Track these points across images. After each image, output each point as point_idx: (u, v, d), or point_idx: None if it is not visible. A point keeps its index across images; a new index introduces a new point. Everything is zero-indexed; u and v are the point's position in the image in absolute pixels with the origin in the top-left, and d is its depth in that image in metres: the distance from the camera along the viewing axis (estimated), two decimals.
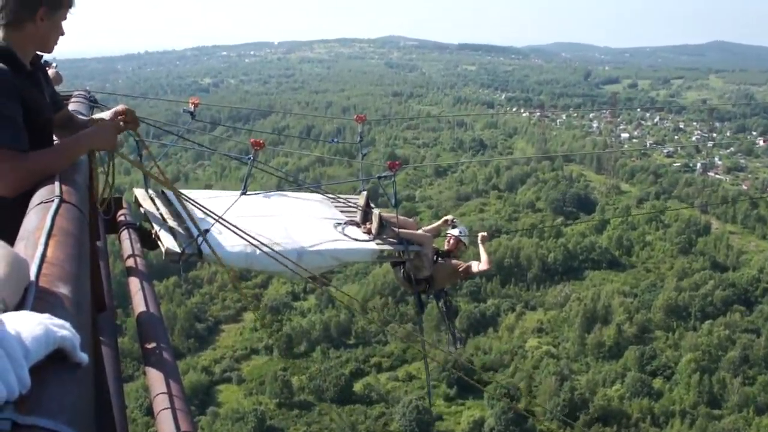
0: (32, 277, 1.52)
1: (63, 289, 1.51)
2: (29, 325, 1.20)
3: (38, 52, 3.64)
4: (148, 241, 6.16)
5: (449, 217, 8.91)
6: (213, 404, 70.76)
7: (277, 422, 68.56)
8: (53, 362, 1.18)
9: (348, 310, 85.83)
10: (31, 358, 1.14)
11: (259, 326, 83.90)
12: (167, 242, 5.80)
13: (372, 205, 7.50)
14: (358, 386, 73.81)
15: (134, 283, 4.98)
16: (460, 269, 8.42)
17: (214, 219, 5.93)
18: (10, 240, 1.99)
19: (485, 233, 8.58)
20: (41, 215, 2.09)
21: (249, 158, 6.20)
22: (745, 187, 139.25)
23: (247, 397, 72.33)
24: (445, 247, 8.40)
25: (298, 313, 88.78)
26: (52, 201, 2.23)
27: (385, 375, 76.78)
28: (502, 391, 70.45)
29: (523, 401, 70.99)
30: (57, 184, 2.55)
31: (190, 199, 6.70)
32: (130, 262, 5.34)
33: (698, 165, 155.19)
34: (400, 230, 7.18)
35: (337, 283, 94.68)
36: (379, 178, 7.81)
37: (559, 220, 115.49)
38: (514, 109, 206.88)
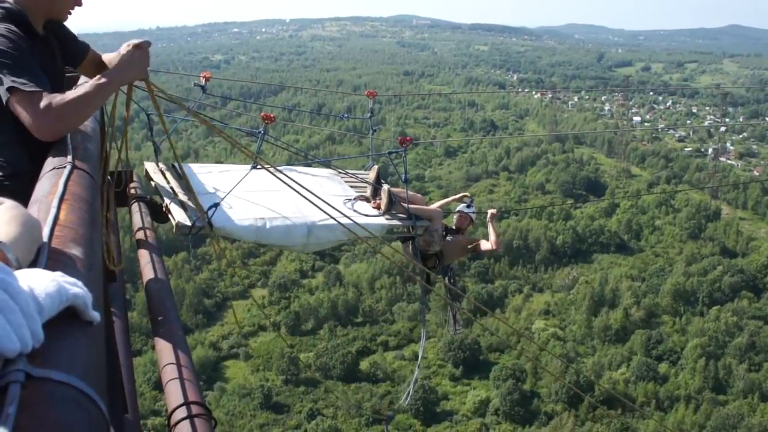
0: (45, 238, 1.53)
1: (75, 251, 1.52)
2: (42, 282, 1.21)
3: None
4: (159, 214, 6.16)
5: (466, 193, 8.91)
6: (220, 380, 71.29)
7: (283, 398, 69.03)
8: (65, 319, 1.20)
9: (356, 289, 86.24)
10: (44, 314, 1.16)
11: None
12: (177, 216, 5.81)
13: (382, 180, 7.50)
14: (364, 364, 74.18)
15: (144, 255, 4.99)
16: (470, 246, 8.43)
17: (225, 193, 5.95)
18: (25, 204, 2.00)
19: (495, 210, 8.58)
20: (54, 180, 2.10)
21: (260, 132, 6.20)
22: (756, 173, 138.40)
23: (254, 373, 72.82)
24: (454, 224, 8.41)
25: (305, 291, 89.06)
26: (65, 167, 2.24)
27: (391, 354, 77.09)
28: (508, 372, 70.72)
29: (529, 382, 71.25)
30: (69, 150, 2.56)
31: (201, 170, 6.73)
32: (140, 235, 5.34)
33: (710, 150, 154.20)
34: (410, 206, 7.18)
35: (345, 261, 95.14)
36: (390, 153, 7.80)
37: (569, 202, 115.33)
38: (525, 90, 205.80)
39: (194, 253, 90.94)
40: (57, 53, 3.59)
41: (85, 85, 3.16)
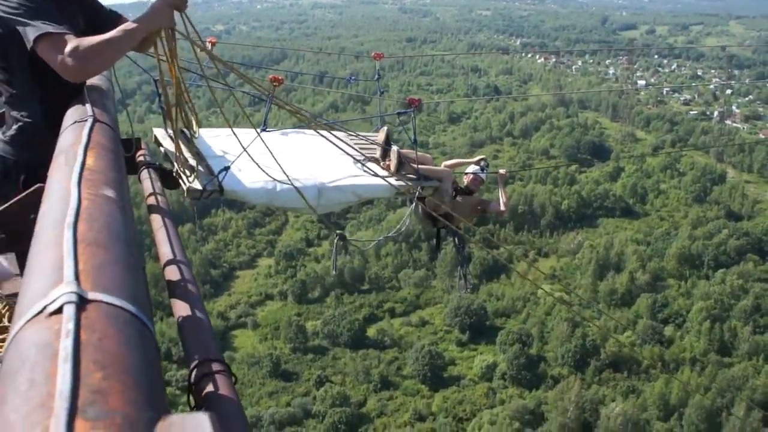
0: (73, 183, 1.54)
1: (109, 193, 1.53)
2: None
3: None
4: (169, 180, 6.15)
5: (483, 156, 8.87)
6: (229, 349, 71.78)
7: (291, 366, 69.63)
8: (112, 248, 1.29)
9: (361, 256, 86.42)
10: None
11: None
12: (188, 180, 5.82)
13: (391, 142, 7.48)
14: (371, 331, 74.62)
15: (156, 220, 4.98)
16: (479, 206, 8.44)
17: (235, 155, 5.95)
18: (47, 161, 2.03)
19: (504, 171, 8.57)
20: (77, 132, 2.11)
21: (268, 94, 6.19)
22: (762, 136, 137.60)
23: (262, 342, 73.36)
24: (466, 185, 8.39)
25: (312, 259, 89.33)
26: (86, 120, 2.25)
27: (398, 320, 77.51)
28: (514, 336, 71.07)
29: (535, 347, 71.63)
30: (88, 106, 2.57)
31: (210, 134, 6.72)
32: (151, 200, 5.32)
33: (715, 113, 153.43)
34: (420, 166, 7.18)
35: (351, 229, 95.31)
36: (399, 114, 7.79)
37: (574, 166, 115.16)
38: (529, 55, 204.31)
39: (200, 224, 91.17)
40: (79, 16, 3.63)
41: (111, 32, 3.24)
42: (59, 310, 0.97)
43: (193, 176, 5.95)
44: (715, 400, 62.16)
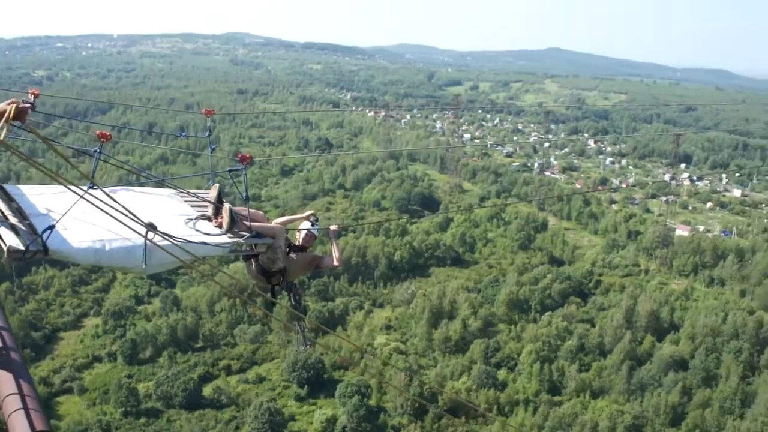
0: None
1: None
2: None
3: None
4: None
5: (312, 211, 8.96)
6: (53, 417, 67.25)
7: None
8: None
9: (194, 313, 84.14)
10: None
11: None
12: (9, 240, 5.50)
13: (223, 199, 7.43)
14: (207, 390, 72.38)
15: None
16: (312, 262, 8.51)
17: (59, 214, 5.72)
18: None
19: (336, 227, 8.68)
20: None
21: (95, 150, 5.99)
22: (578, 186, 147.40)
23: (90, 408, 69.33)
24: (299, 242, 8.44)
25: (142, 317, 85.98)
26: None
27: (234, 377, 75.71)
28: (353, 389, 70.98)
29: (374, 398, 71.83)
30: None
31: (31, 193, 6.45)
32: None
33: (536, 165, 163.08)
34: (252, 223, 7.18)
35: (183, 285, 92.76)
36: (230, 171, 7.75)
37: (405, 217, 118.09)
38: (359, 109, 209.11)
39: (18, 283, 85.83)
40: None
41: None
42: None
43: (14, 236, 5.66)
44: None
